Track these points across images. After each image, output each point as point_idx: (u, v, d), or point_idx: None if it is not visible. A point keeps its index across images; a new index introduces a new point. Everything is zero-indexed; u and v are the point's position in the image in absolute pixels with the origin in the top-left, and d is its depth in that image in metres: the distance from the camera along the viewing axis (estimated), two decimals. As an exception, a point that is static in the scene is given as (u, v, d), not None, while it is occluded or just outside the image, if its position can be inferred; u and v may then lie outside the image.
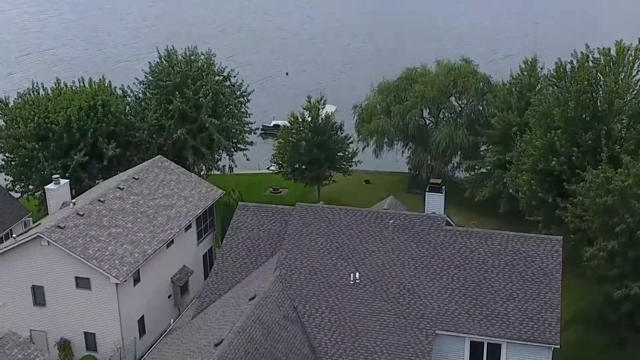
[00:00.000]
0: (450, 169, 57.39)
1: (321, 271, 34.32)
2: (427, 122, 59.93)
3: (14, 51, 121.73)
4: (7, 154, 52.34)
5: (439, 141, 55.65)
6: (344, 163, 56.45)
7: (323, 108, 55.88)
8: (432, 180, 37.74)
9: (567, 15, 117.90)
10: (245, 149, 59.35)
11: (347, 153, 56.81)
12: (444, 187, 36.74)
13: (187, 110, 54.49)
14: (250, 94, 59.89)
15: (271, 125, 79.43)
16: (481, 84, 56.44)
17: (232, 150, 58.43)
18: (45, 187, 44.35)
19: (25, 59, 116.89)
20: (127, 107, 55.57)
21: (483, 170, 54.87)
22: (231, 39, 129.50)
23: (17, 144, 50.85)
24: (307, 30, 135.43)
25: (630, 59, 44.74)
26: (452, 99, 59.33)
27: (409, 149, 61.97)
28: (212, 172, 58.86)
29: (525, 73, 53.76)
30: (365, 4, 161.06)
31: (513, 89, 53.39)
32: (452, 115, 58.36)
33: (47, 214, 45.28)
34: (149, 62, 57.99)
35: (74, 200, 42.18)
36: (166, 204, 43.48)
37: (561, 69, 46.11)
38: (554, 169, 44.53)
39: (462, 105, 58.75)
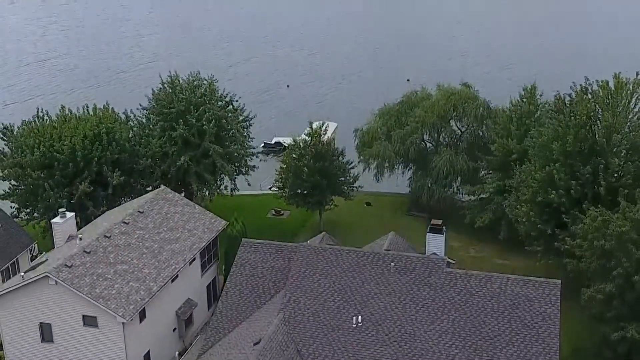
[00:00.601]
0: (451, 193, 57.95)
1: (324, 313, 35.02)
2: (428, 145, 60.50)
3: (14, 61, 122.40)
4: (12, 182, 52.96)
5: (439, 167, 56.32)
6: (345, 188, 57.10)
7: (324, 134, 56.43)
8: (432, 222, 38.43)
9: (569, 42, 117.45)
10: (248, 173, 59.99)
11: (348, 178, 57.46)
12: (444, 227, 37.41)
13: (190, 137, 55.15)
14: (252, 118, 60.51)
15: (272, 142, 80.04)
16: (481, 109, 57.06)
17: (235, 174, 59.09)
18: (51, 221, 44.95)
19: (26, 70, 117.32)
20: (131, 132, 56.12)
21: (483, 195, 55.50)
22: (230, 47, 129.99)
23: (22, 173, 51.47)
24: (307, 38, 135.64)
25: (629, 92, 45.45)
26: (452, 122, 59.97)
27: (409, 170, 62.57)
28: (214, 196, 59.43)
29: (524, 100, 54.43)
30: (365, 15, 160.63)
31: (512, 115, 54.02)
32: (453, 139, 58.98)
33: (54, 246, 45.95)
34: (152, 89, 58.54)
35: (80, 235, 42.83)
36: (171, 238, 44.14)
37: (560, 102, 46.75)
38: (553, 201, 45.25)
39: (462, 130, 59.40)
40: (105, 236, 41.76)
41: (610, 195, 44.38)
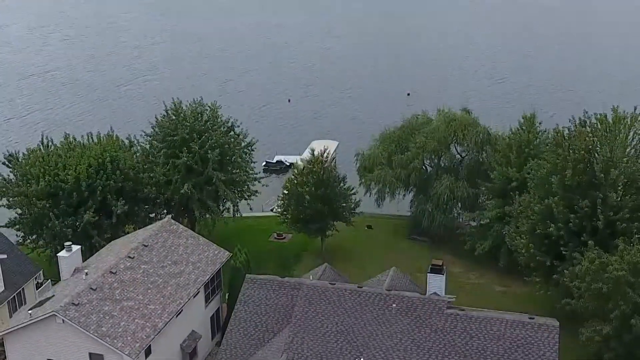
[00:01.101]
0: (451, 218, 58.59)
1: (327, 355, 35.68)
2: (428, 169, 61.11)
3: (15, 73, 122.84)
4: (18, 210, 53.60)
5: (439, 193, 57.00)
6: (347, 214, 57.74)
7: (326, 160, 56.99)
8: (433, 262, 39.10)
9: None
10: (250, 198, 60.62)
11: (350, 203, 58.08)
12: (444, 267, 38.07)
13: (193, 164, 55.79)
14: (254, 144, 61.17)
15: (274, 161, 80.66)
16: (481, 135, 57.73)
17: (238, 199, 59.73)
18: (58, 254, 45.60)
19: (27, 83, 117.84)
20: (135, 158, 56.69)
21: (483, 222, 56.13)
22: (230, 59, 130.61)
23: (28, 202, 52.09)
24: (307, 49, 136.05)
25: (627, 126, 46.16)
26: (453, 147, 60.64)
27: (410, 193, 63.18)
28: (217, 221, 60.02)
29: (524, 128, 55.09)
30: (366, 28, 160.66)
31: (512, 143, 54.65)
32: (453, 164, 59.62)
33: (60, 277, 46.59)
34: (156, 116, 59.18)
35: (86, 270, 43.44)
36: (175, 272, 44.77)
37: (559, 136, 47.40)
38: (551, 234, 45.92)
39: (463, 155, 60.07)
40: (111, 272, 42.39)
41: (608, 228, 45.13)
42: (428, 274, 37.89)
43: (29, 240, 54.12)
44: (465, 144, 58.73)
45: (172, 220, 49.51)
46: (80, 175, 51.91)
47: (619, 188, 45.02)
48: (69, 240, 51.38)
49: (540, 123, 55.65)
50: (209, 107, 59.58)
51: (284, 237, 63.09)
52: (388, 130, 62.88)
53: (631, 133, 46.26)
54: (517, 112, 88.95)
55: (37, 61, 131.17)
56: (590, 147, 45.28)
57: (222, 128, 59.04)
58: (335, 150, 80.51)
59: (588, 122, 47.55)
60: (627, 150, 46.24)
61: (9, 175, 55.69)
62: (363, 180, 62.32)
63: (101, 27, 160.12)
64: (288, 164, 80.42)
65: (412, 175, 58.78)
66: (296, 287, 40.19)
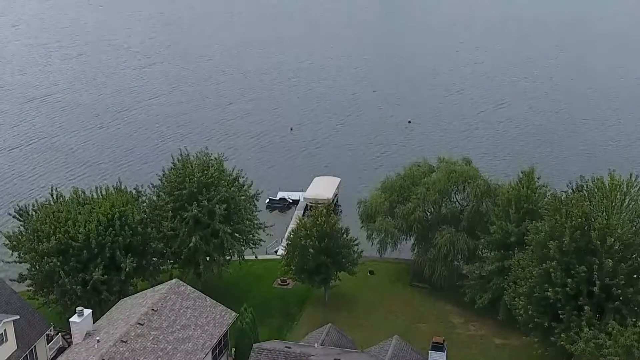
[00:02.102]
0: (452, 269, 59.89)
1: None
2: (429, 215, 62.28)
3: (17, 96, 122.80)
4: (29, 267, 54.82)
5: (440, 244, 58.35)
6: (349, 265, 59.05)
7: (330, 217, 58.19)
8: (434, 339, 40.38)
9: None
10: (255, 247, 61.89)
11: (352, 254, 59.34)
12: (445, 344, 39.35)
13: (201, 218, 57.04)
14: (259, 194, 62.46)
15: (277, 198, 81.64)
16: (481, 187, 59.02)
17: (243, 248, 61.00)
18: (69, 320, 46.85)
19: (29, 106, 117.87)
20: (142, 209, 57.84)
21: (483, 273, 57.41)
22: (230, 81, 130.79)
23: (39, 259, 53.29)
24: (306, 73, 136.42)
25: (623, 192, 47.51)
26: (454, 195, 61.97)
27: (412, 237, 64.38)
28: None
29: (523, 183, 56.41)
30: (366, 50, 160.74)
31: (511, 199, 55.94)
32: (454, 213, 60.88)
33: (71, 338, 47.91)
34: (163, 168, 60.42)
35: (98, 338, 44.67)
36: (184, 337, 46.10)
37: (557, 202, 48.73)
38: (549, 297, 47.34)
39: (463, 205, 61.39)
40: (122, 341, 43.69)
41: (604, 292, 46.62)
42: (430, 351, 39.15)
43: (39, 295, 55.36)
44: (466, 195, 60.04)
45: (180, 282, 50.83)
46: (90, 233, 53.17)
47: (615, 255, 46.31)
48: (78, 297, 52.99)
49: (538, 178, 56.95)
50: (214, 158, 60.83)
51: (288, 283, 64.38)
52: (390, 179, 64.20)
53: (627, 199, 47.60)
54: (515, 132, 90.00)
55: (39, 82, 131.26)
56: (587, 213, 46.63)
57: (228, 178, 60.36)
58: (337, 187, 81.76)
59: (585, 186, 48.90)
60: (623, 215, 47.56)
61: (19, 229, 57.02)
62: (365, 228, 63.62)
63: (102, 45, 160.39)
64: (291, 200, 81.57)
65: (414, 227, 60.14)
66: (302, 357, 41.43)
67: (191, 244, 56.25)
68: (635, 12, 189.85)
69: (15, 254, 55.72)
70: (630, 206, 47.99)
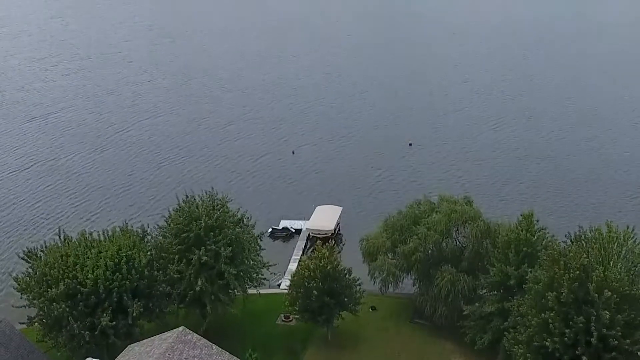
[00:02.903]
0: (452, 309, 61.00)
1: None
2: (430, 256, 63.34)
3: (19, 115, 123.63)
4: (38, 310, 55.83)
5: (441, 285, 59.51)
6: (352, 305, 60.18)
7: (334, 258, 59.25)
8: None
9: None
10: (260, 286, 62.95)
11: (355, 294, 60.43)
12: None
13: (207, 260, 58.06)
14: (263, 233, 63.51)
15: (280, 228, 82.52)
16: (481, 228, 60.16)
17: (247, 286, 62.08)
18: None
19: (30, 126, 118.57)
20: (149, 253, 58.82)
21: (482, 315, 58.54)
22: (230, 99, 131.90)
23: (48, 304, 54.28)
24: (305, 90, 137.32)
25: (620, 243, 48.69)
26: (454, 233, 63.07)
27: (413, 274, 65.49)
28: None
29: (522, 226, 57.52)
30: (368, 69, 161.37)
31: (511, 241, 57.07)
32: (454, 253, 61.96)
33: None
34: (169, 210, 61.47)
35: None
36: (192, 389, 47.11)
37: (555, 253, 49.87)
38: (548, 346, 48.51)
39: (463, 246, 62.49)
40: (132, 394, 44.77)
41: (601, 342, 47.81)
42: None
43: (47, 338, 56.36)
44: (466, 235, 61.16)
45: (187, 330, 51.72)
46: (98, 278, 54.18)
47: (612, 307, 47.43)
48: (87, 342, 54.05)
49: (537, 221, 58.07)
50: (219, 199, 61.82)
51: (291, 320, 65.37)
52: (392, 217, 65.27)
53: (623, 250, 48.76)
54: (515, 155, 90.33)
55: (40, 100, 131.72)
56: (585, 266, 47.77)
57: (233, 219, 61.37)
58: (339, 217, 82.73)
59: (583, 236, 50.05)
60: (619, 266, 48.72)
61: (27, 270, 57.99)
62: (367, 265, 64.79)
63: (103, 59, 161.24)
64: (293, 230, 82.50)
65: (415, 267, 61.32)
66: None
67: (198, 288, 57.25)
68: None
69: (24, 298, 56.71)
70: (627, 257, 49.16)
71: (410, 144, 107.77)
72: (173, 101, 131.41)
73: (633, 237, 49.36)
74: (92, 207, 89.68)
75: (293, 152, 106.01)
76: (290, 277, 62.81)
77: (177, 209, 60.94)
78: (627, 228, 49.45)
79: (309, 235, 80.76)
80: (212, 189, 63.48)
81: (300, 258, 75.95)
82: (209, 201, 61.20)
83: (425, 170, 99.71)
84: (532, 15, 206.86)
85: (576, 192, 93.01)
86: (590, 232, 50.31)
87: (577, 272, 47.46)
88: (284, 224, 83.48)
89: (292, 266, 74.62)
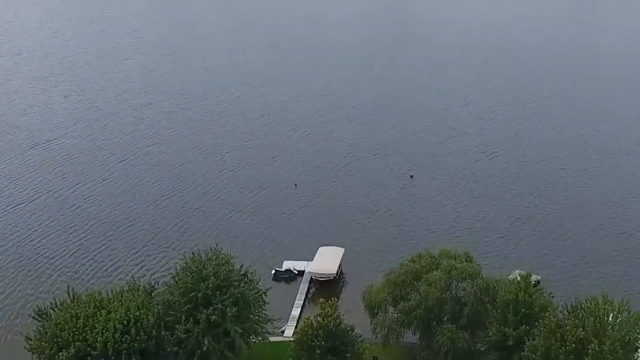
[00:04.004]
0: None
1: None
2: (430, 312, 64.82)
3: (20, 142, 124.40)
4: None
5: (441, 344, 61.08)
6: (355, 361, 61.77)
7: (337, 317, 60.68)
8: None
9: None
10: (264, 340, 64.47)
11: (357, 348, 61.92)
12: None
13: (215, 319, 59.52)
14: (268, 289, 65.02)
15: (283, 270, 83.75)
16: (480, 289, 61.68)
17: (253, 341, 63.60)
18: None
19: (31, 154, 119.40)
20: (157, 311, 60.22)
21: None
22: (228, 124, 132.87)
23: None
24: (304, 115, 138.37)
25: (615, 313, 50.30)
26: (453, 289, 64.57)
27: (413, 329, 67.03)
28: None
29: (520, 287, 59.08)
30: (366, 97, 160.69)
31: (509, 302, 58.65)
32: (455, 310, 63.42)
33: None
34: (176, 268, 62.94)
35: None
36: None
37: (553, 324, 51.45)
38: (545, 415, 50.27)
39: (463, 303, 63.99)
40: None
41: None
42: None
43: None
44: (466, 293, 62.69)
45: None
46: (107, 341, 55.61)
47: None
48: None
49: (537, 282, 59.62)
50: (223, 255, 63.25)
51: (296, 374, 66.80)
52: (393, 272, 66.71)
53: (618, 321, 50.36)
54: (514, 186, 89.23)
55: (41, 125, 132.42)
56: (581, 339, 49.38)
57: (237, 275, 62.82)
58: (341, 258, 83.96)
59: (580, 306, 51.63)
60: (614, 336, 50.29)
61: (39, 329, 59.40)
62: (368, 317, 66.36)
63: (104, 79, 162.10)
64: (296, 272, 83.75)
65: (415, 323, 62.93)
66: None
67: (205, 347, 58.70)
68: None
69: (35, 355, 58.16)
70: (622, 325, 50.73)
71: (411, 176, 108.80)
72: (173, 126, 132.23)
73: (627, 309, 50.99)
74: (94, 245, 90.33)
75: (295, 185, 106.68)
76: (293, 325, 64.24)
77: (184, 266, 62.41)
78: (622, 300, 51.07)
79: (311, 278, 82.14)
80: (217, 244, 65.10)
81: (303, 304, 77.76)
82: (215, 258, 62.64)
83: (427, 204, 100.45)
84: (537, 34, 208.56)
85: (578, 248, 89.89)
86: (586, 302, 51.90)
87: (574, 344, 49.07)
88: (286, 264, 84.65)
89: (295, 312, 76.44)
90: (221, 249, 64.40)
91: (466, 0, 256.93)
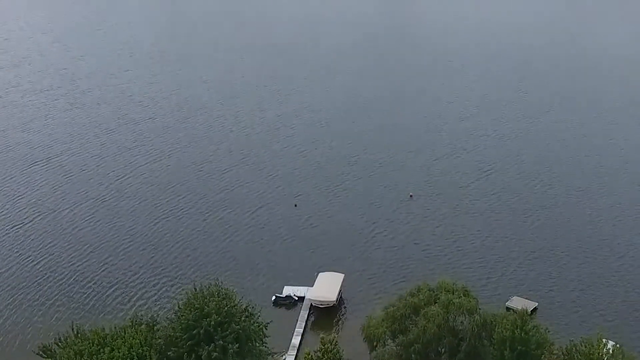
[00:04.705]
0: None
1: None
2: (428, 347, 65.75)
3: (21, 159, 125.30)
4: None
5: (439, 381, 62.15)
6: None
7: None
8: None
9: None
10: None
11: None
12: None
13: (216, 356, 60.34)
14: (268, 323, 65.86)
15: (283, 295, 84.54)
16: (477, 325, 62.61)
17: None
18: None
19: (32, 171, 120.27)
20: (159, 347, 61.06)
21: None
22: (227, 141, 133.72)
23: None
24: (303, 133, 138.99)
25: (609, 357, 51.40)
26: (450, 322, 65.46)
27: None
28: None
29: (517, 324, 60.03)
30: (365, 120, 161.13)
31: (506, 339, 59.61)
32: (452, 344, 64.32)
33: None
34: (178, 303, 63.78)
35: None
36: None
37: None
38: None
39: (461, 338, 64.88)
40: None
41: None
42: None
43: None
44: (464, 328, 63.59)
45: None
46: (111, 380, 56.60)
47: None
48: None
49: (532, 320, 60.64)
50: (225, 291, 64.03)
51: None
52: (391, 306, 67.57)
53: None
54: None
55: (41, 141, 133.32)
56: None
57: (238, 309, 63.64)
58: (341, 284, 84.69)
59: (575, 348, 52.67)
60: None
61: (43, 363, 60.41)
62: (368, 354, 67.47)
63: (104, 93, 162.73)
64: (296, 298, 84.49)
65: (413, 357, 63.85)
66: None
67: (206, 385, 59.63)
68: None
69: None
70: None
71: (410, 195, 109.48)
72: (172, 143, 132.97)
73: (622, 353, 52.01)
74: (95, 270, 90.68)
75: (295, 205, 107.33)
76: (293, 354, 65.07)
77: (186, 302, 63.21)
78: (616, 344, 52.09)
79: (311, 304, 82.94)
80: (218, 279, 66.01)
81: (303, 332, 78.58)
82: (217, 294, 63.39)
83: (426, 225, 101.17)
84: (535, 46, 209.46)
85: (576, 272, 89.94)
86: (581, 345, 52.90)
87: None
88: (287, 290, 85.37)
89: (295, 340, 77.25)
90: (222, 282, 65.15)
91: (460, 16, 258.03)
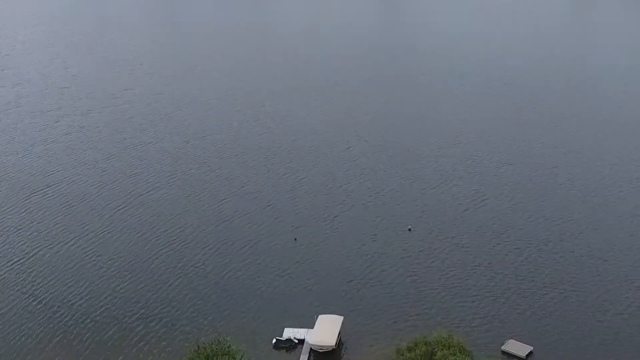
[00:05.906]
0: None
1: None
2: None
3: (21, 188, 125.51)
4: None
5: None
6: None
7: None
8: None
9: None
10: None
11: None
12: None
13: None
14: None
15: (284, 339, 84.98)
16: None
17: None
18: None
19: (31, 202, 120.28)
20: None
21: None
22: (225, 167, 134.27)
23: None
24: (299, 159, 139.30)
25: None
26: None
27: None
28: None
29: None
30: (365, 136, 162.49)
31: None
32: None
33: None
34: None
35: None
36: None
37: None
38: None
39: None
40: None
41: None
42: None
43: None
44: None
45: None
46: None
47: None
48: None
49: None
50: (228, 349, 65.07)
51: None
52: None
53: None
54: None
55: (41, 168, 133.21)
56: None
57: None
58: (340, 327, 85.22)
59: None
60: None
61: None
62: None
63: (103, 114, 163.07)
64: (297, 340, 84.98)
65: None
66: None
67: None
68: None
69: None
70: None
71: (409, 229, 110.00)
72: (171, 169, 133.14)
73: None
74: (93, 308, 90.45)
75: (295, 239, 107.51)
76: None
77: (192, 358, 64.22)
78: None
79: (310, 349, 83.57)
80: (219, 335, 66.69)
81: (303, 380, 79.25)
82: (221, 355, 64.44)
83: (423, 261, 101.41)
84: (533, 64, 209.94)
85: (573, 313, 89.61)
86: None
87: None
88: (287, 332, 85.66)
89: (295, 388, 78.07)
90: (226, 339, 66.07)
91: (456, 34, 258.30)
